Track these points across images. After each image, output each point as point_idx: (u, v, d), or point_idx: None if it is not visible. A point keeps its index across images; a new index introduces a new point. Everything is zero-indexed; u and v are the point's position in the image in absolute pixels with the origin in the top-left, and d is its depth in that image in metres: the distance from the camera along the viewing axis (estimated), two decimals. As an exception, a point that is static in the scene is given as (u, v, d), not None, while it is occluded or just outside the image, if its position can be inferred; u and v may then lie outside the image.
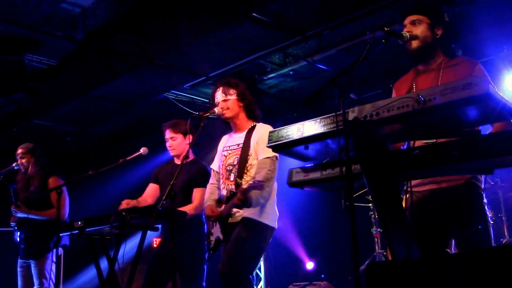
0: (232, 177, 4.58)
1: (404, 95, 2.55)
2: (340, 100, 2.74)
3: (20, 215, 6.29)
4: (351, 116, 2.71)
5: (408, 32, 3.54)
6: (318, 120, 2.84)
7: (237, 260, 4.34)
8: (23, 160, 6.59)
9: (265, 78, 8.17)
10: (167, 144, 5.58)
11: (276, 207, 4.58)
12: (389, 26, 3.17)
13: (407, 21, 3.65)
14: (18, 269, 6.53)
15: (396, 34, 3.16)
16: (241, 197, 4.14)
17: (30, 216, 6.30)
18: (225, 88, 4.69)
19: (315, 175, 3.18)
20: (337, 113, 2.72)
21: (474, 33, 6.41)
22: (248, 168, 4.51)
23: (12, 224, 6.43)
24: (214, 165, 4.94)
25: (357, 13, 6.00)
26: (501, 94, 2.48)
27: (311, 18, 6.25)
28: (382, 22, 6.13)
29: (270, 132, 3.10)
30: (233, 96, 4.65)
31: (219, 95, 4.69)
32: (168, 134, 5.55)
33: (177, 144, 5.53)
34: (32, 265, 6.42)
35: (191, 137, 5.50)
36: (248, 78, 8.12)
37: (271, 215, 4.50)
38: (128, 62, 7.20)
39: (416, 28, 3.58)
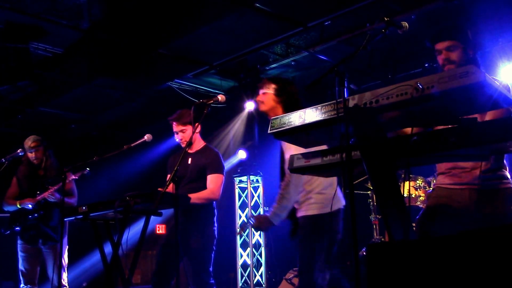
0: None
1: (403, 83, 2.63)
2: (340, 88, 2.82)
3: (52, 200, 6.44)
4: (351, 103, 2.78)
5: (445, 59, 3.71)
6: (319, 107, 2.90)
7: (304, 268, 4.35)
8: (38, 153, 6.72)
9: (268, 68, 8.24)
10: (177, 138, 5.59)
11: (327, 190, 4.34)
12: (388, 17, 3.23)
13: (441, 46, 3.77)
14: (23, 254, 6.57)
15: (395, 24, 3.23)
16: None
17: (60, 202, 6.43)
18: (266, 82, 4.64)
19: (316, 161, 3.24)
20: (338, 100, 2.79)
21: (471, 26, 6.48)
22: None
23: (29, 206, 6.47)
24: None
25: (358, 5, 6.06)
26: (497, 83, 2.56)
27: (313, 9, 6.31)
28: (382, 14, 6.19)
29: (272, 119, 3.15)
30: (270, 90, 4.57)
31: (260, 90, 4.65)
32: (176, 127, 5.56)
33: (188, 135, 5.49)
34: (49, 250, 6.53)
35: (198, 125, 5.58)
36: (250, 68, 8.19)
37: (319, 202, 4.31)
38: (132, 51, 7.26)
39: (453, 54, 3.72)
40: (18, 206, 6.54)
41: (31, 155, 6.69)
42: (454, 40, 3.76)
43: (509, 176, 3.77)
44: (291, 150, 4.03)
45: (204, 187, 5.42)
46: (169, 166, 5.80)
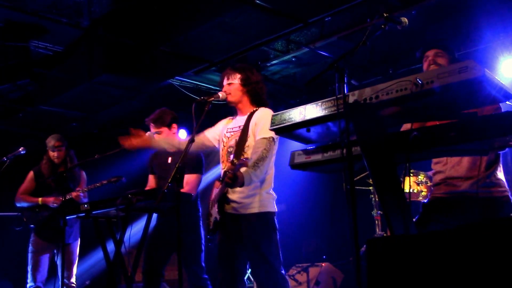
0: (231, 158, 4.53)
1: (402, 79, 2.64)
2: (340, 84, 2.82)
3: (80, 201, 6.47)
4: (351, 99, 2.79)
5: (432, 59, 4.00)
6: (320, 104, 2.92)
7: (266, 266, 4.35)
8: (61, 153, 6.76)
9: (268, 64, 8.23)
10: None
11: (272, 191, 4.56)
12: (388, 13, 3.23)
13: (430, 53, 4.07)
14: (34, 250, 6.51)
15: (395, 20, 3.24)
16: (230, 175, 4.07)
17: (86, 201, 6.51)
18: (230, 72, 4.71)
19: (317, 157, 3.26)
20: (338, 96, 2.80)
21: (472, 20, 6.48)
22: (246, 149, 4.49)
23: (55, 205, 6.51)
24: (208, 131, 4.91)
25: (358, 0, 6.06)
26: (497, 77, 2.56)
27: (313, 5, 6.30)
28: (382, 10, 6.19)
29: (273, 115, 3.18)
30: (236, 81, 4.64)
31: (224, 80, 4.72)
32: (152, 129, 5.66)
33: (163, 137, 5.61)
34: (67, 249, 6.54)
35: (175, 126, 5.64)
36: (251, 64, 8.19)
37: (271, 201, 4.50)
38: (132, 49, 7.25)
39: (440, 59, 4.01)
40: (40, 203, 6.54)
41: (53, 154, 6.73)
42: (442, 49, 4.06)
43: (505, 184, 3.80)
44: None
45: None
46: (150, 164, 5.87)
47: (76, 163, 6.85)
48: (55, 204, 6.49)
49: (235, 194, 4.45)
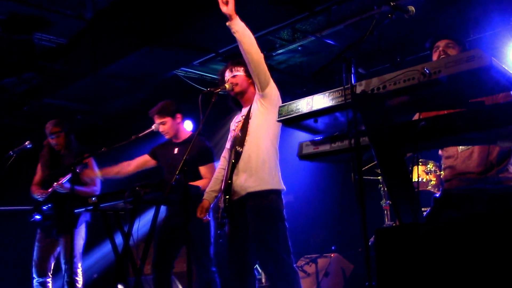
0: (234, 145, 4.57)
1: (409, 68, 2.62)
2: (347, 74, 2.81)
3: (61, 191, 6.17)
4: (358, 89, 2.78)
5: (442, 50, 3.95)
6: (327, 94, 2.91)
7: (271, 248, 4.31)
8: (59, 139, 6.47)
9: (274, 54, 8.19)
10: (160, 130, 5.65)
11: (278, 168, 4.49)
12: (395, 1, 3.20)
13: (440, 43, 4.01)
14: (38, 244, 6.41)
15: (402, 9, 3.21)
16: None
17: (76, 190, 6.20)
18: (233, 65, 4.74)
19: (325, 147, 3.25)
20: (345, 86, 2.79)
21: (482, 5, 6.41)
22: (248, 135, 4.51)
23: (41, 197, 6.29)
24: (225, 151, 4.90)
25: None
26: (504, 66, 2.54)
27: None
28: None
29: (280, 106, 3.17)
30: (241, 72, 4.68)
31: (227, 73, 4.74)
32: (156, 120, 5.64)
33: (168, 127, 5.63)
34: (62, 241, 6.36)
35: (180, 116, 5.63)
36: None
37: (276, 177, 4.44)
38: (137, 39, 7.24)
39: (451, 50, 3.94)
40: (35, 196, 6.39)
41: (52, 141, 6.47)
42: (453, 40, 4.01)
43: None
44: None
45: (192, 177, 5.42)
46: (152, 150, 5.92)
47: (74, 149, 6.51)
48: (39, 197, 6.30)
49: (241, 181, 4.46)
